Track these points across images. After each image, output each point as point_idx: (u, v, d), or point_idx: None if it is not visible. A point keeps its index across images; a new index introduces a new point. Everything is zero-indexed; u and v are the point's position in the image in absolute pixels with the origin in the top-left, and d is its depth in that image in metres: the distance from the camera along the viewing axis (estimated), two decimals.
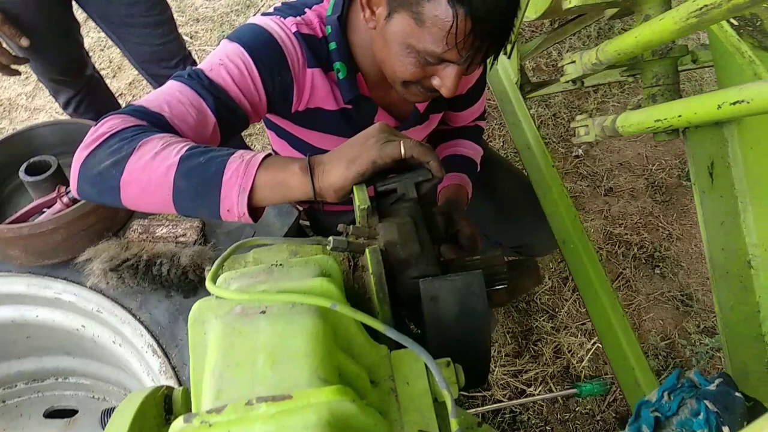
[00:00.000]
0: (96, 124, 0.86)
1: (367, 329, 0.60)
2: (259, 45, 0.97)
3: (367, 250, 0.70)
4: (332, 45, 1.02)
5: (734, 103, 0.46)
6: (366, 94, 1.08)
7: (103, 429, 0.58)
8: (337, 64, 1.03)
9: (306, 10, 1.03)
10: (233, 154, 0.81)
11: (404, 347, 0.58)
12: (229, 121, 0.95)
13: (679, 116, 0.54)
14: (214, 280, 0.58)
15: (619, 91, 2.64)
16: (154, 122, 0.87)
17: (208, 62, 0.96)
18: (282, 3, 1.06)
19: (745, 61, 0.59)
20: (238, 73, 0.95)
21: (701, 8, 0.47)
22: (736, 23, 0.59)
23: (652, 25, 0.55)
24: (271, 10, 1.05)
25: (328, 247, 0.72)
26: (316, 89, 1.05)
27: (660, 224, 2.21)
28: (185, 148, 0.81)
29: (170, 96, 0.90)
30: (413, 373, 0.57)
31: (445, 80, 0.92)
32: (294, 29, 1.00)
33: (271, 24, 1.00)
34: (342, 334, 0.55)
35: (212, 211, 0.81)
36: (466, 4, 0.81)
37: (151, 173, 0.80)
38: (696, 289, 2.02)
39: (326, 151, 0.84)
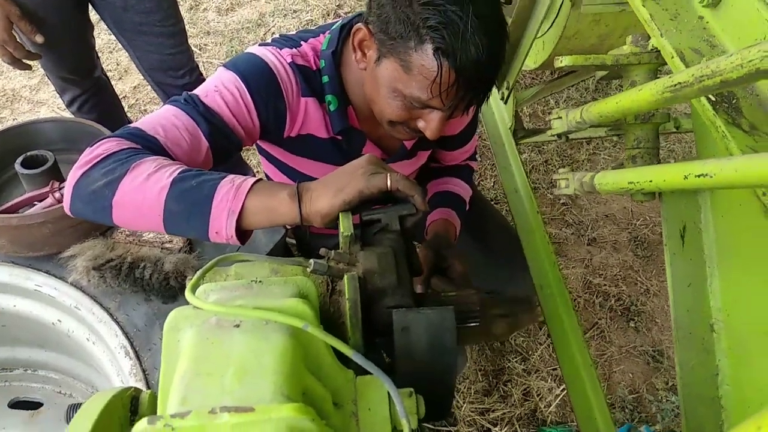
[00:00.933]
0: (92, 146, 0.89)
1: (337, 353, 0.62)
2: (254, 73, 1.01)
3: (345, 276, 0.73)
4: (325, 78, 1.06)
5: (699, 176, 0.50)
6: (356, 126, 1.12)
7: (68, 424, 0.59)
8: (329, 97, 1.07)
9: (302, 42, 1.08)
10: (224, 178, 0.84)
11: (370, 374, 0.60)
12: (222, 146, 0.98)
13: (650, 181, 0.57)
14: (194, 290, 0.60)
15: (611, 144, 2.70)
16: (149, 146, 0.89)
17: (203, 88, 1.00)
18: (280, 36, 1.11)
19: (719, 135, 0.62)
20: (233, 100, 0.98)
21: (675, 85, 0.51)
22: (713, 98, 0.63)
23: (632, 95, 0.59)
24: (268, 41, 1.09)
25: (309, 269, 0.74)
26: (309, 117, 1.09)
27: (639, 279, 2.24)
28: (177, 171, 0.83)
29: (165, 120, 0.94)
30: (376, 399, 0.59)
31: (429, 124, 0.96)
32: (289, 60, 1.04)
33: (267, 54, 1.04)
34: (311, 355, 0.58)
35: (201, 232, 0.83)
36: (451, 57, 0.85)
37: (143, 194, 0.82)
38: (668, 347, 2.05)
39: (314, 179, 0.87)
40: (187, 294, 0.59)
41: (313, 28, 1.14)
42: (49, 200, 1.16)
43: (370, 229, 0.85)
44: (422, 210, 0.85)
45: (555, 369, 1.96)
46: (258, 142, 1.15)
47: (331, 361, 0.60)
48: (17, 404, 1.39)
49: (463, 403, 1.84)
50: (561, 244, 2.35)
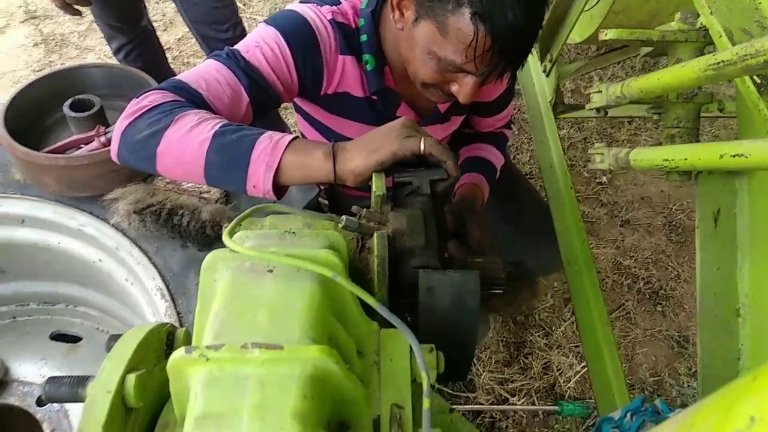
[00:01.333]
0: (138, 97, 0.92)
1: (363, 305, 0.65)
2: (294, 30, 1.02)
3: (375, 234, 0.75)
4: (363, 37, 1.07)
5: (734, 156, 0.49)
6: (391, 86, 1.14)
7: (107, 352, 0.63)
8: (366, 56, 1.08)
9: (342, 0, 1.08)
10: (263, 134, 0.87)
11: (393, 327, 0.62)
12: (261, 101, 1.01)
13: (685, 159, 0.57)
14: (231, 234, 0.63)
15: (653, 126, 2.64)
16: (192, 99, 0.93)
17: (244, 44, 1.01)
18: None
19: (761, 118, 0.62)
20: (273, 56, 1.00)
21: (719, 63, 0.50)
22: (758, 81, 0.62)
23: (674, 71, 0.58)
24: None
25: (340, 225, 0.76)
26: (346, 75, 1.10)
27: (671, 263, 2.22)
28: (218, 125, 0.86)
29: (208, 74, 0.96)
30: (398, 351, 0.61)
31: (462, 88, 0.96)
32: (329, 17, 1.05)
33: (307, 11, 1.05)
34: (338, 304, 0.60)
35: (239, 185, 0.86)
36: (487, 23, 0.85)
37: (185, 146, 0.86)
38: (694, 333, 2.04)
39: (349, 138, 0.89)
40: (225, 237, 0.62)
41: None
42: (95, 144, 1.21)
43: (401, 190, 0.87)
44: (453, 176, 0.87)
45: (577, 346, 1.97)
46: (295, 99, 1.17)
47: (357, 311, 0.62)
48: (57, 337, 1.46)
49: (483, 371, 1.87)
50: (593, 224, 2.33)
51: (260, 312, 0.52)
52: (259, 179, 0.85)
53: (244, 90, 0.97)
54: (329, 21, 1.05)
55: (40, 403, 1.36)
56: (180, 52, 2.97)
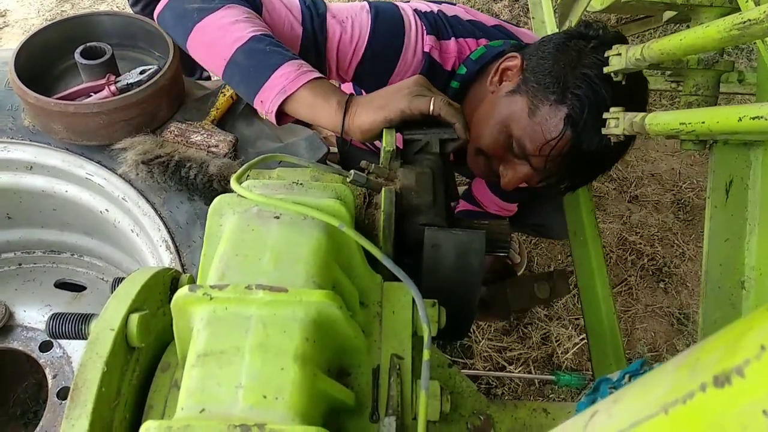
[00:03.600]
0: None
1: (367, 258, 0.65)
2: (384, 37, 0.99)
3: (383, 190, 0.75)
4: (455, 84, 1.03)
5: (754, 118, 0.49)
6: None
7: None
8: (454, 83, 1.04)
9: (453, 38, 1.02)
10: (295, 59, 0.86)
11: (397, 281, 0.62)
12: (305, 59, 0.97)
13: (702, 122, 0.56)
14: (239, 180, 0.63)
15: (669, 102, 2.61)
16: (253, 3, 0.92)
17: (338, 6, 0.98)
18: (438, 12, 1.04)
19: None
20: (348, 41, 0.98)
21: (744, 22, 0.49)
22: None
23: (697, 31, 0.57)
24: (427, 8, 1.03)
25: (348, 179, 0.76)
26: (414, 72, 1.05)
27: (676, 241, 2.21)
28: (259, 31, 0.87)
29: (281, 1, 0.95)
30: (400, 304, 0.61)
31: (512, 173, 0.94)
32: (427, 48, 1.00)
33: (413, 26, 1.00)
34: (343, 254, 0.60)
35: (249, 93, 0.87)
36: (575, 132, 0.84)
37: (222, 33, 0.86)
38: (695, 311, 2.04)
39: None
40: (233, 183, 0.61)
41: (477, 19, 1.06)
42: (105, 92, 1.20)
43: (410, 147, 0.86)
44: (462, 138, 0.86)
45: (577, 319, 1.98)
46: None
47: (361, 263, 0.62)
48: (62, 285, 1.48)
49: (482, 339, 1.88)
50: (601, 198, 2.32)
51: (265, 256, 0.52)
52: (268, 97, 0.85)
53: (300, 41, 0.96)
54: (424, 52, 1.01)
55: (43, 348, 1.38)
56: None
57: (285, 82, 0.83)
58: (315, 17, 0.95)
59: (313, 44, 0.96)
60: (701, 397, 0.20)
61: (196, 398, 0.44)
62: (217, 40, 0.87)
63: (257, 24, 0.88)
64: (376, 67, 1.01)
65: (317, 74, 0.85)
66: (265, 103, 0.85)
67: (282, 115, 0.87)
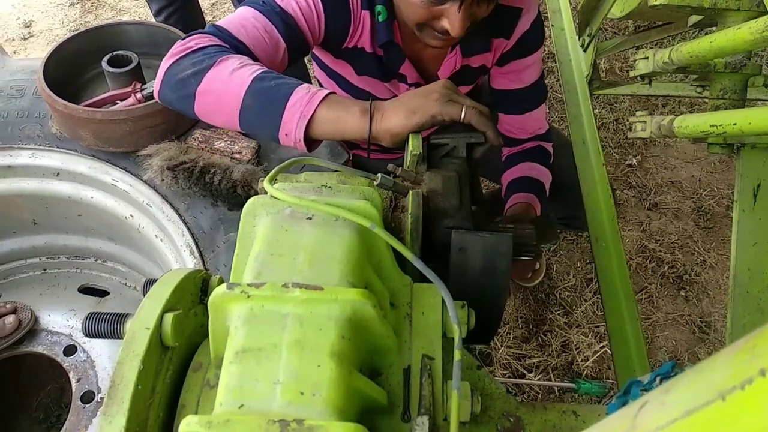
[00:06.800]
0: (184, 38, 0.95)
1: (397, 260, 0.65)
2: None
3: (410, 193, 0.75)
4: None
5: None
6: (398, 42, 1.14)
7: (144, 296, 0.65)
8: (379, 7, 1.09)
9: None
10: (301, 84, 0.88)
11: (427, 282, 0.62)
12: (295, 48, 1.03)
13: (734, 124, 0.56)
14: (272, 182, 0.64)
15: (688, 109, 2.59)
16: (234, 44, 0.95)
17: None
18: None
19: None
20: (306, 6, 1.02)
21: None
22: None
23: (728, 33, 0.57)
24: None
25: (375, 183, 0.76)
26: (364, 30, 1.12)
27: (697, 249, 2.19)
28: (259, 71, 0.88)
29: (246, 21, 0.99)
30: (430, 305, 0.62)
31: (449, 19, 0.94)
32: None
33: None
34: (374, 255, 0.61)
35: (272, 131, 0.87)
36: None
37: (225, 87, 0.87)
38: (717, 319, 2.02)
39: (360, 89, 0.89)
40: (266, 185, 0.62)
41: None
42: (131, 100, 1.22)
43: (437, 151, 0.87)
44: (495, 144, 0.86)
45: (597, 326, 1.96)
46: (314, 49, 1.19)
47: (391, 264, 0.63)
48: (86, 290, 1.50)
49: (501, 346, 1.88)
50: (621, 206, 2.30)
51: (300, 255, 0.53)
52: (292, 128, 0.85)
53: (282, 37, 1.00)
54: None
55: (67, 352, 1.39)
56: (213, 17, 2.97)
57: (301, 108, 0.84)
58: (275, 10, 1.00)
59: (291, 33, 1.01)
60: (761, 382, 0.21)
61: (235, 394, 0.44)
62: (222, 95, 0.88)
63: (252, 64, 0.90)
64: (337, 15, 1.06)
65: (328, 90, 0.87)
66: (290, 134, 0.86)
67: (310, 141, 0.88)
